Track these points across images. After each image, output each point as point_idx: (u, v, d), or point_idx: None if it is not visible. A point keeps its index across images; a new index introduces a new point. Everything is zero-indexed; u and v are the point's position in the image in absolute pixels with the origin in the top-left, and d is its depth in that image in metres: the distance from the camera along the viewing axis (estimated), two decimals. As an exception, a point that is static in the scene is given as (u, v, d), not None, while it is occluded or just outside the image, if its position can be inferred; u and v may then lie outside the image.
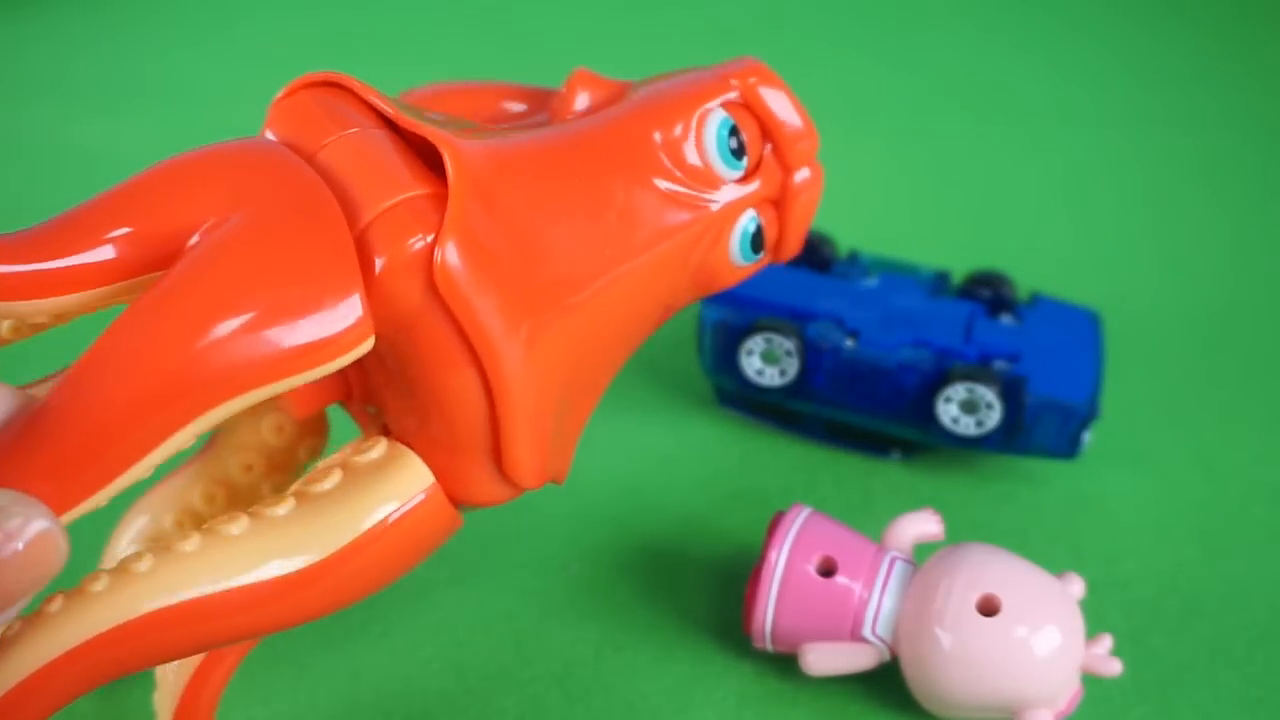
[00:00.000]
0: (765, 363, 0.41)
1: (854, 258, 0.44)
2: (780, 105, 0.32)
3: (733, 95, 0.32)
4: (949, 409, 0.39)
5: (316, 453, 0.33)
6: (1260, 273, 0.52)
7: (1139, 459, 0.42)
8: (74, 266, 0.24)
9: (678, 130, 0.31)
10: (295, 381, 0.25)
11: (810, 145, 0.32)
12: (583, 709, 0.34)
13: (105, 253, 0.25)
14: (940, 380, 0.39)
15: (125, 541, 0.32)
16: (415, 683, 0.35)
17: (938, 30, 0.71)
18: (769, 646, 0.34)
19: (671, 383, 0.45)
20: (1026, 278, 0.46)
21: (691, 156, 0.31)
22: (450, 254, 0.26)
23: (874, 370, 0.40)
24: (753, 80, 0.32)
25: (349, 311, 0.25)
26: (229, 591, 0.25)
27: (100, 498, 0.24)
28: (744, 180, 0.32)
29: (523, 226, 0.28)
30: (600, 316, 0.29)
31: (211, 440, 0.33)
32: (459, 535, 0.40)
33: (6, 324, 0.25)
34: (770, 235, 0.33)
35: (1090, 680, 0.33)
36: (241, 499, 0.32)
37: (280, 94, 0.28)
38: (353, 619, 0.36)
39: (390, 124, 0.28)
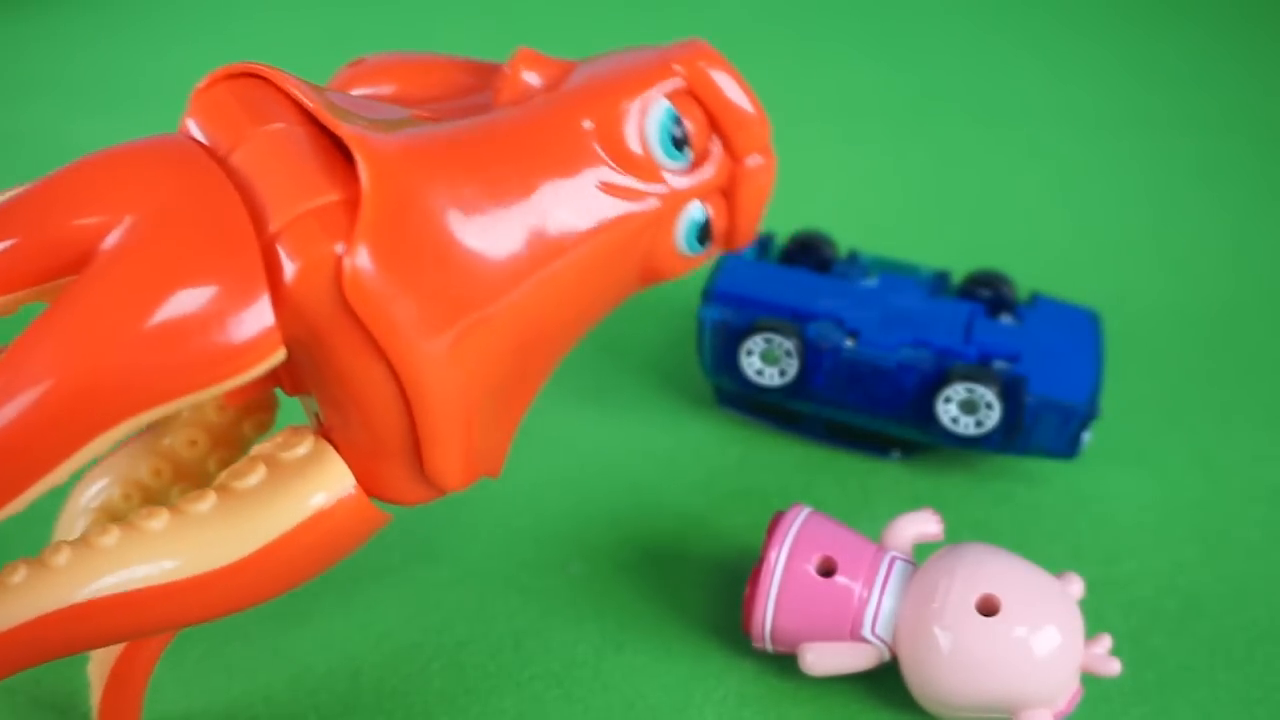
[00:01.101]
0: (765, 363, 0.41)
1: (854, 258, 0.44)
2: (728, 90, 0.30)
3: (677, 81, 0.30)
4: (949, 409, 0.39)
5: (264, 428, 0.32)
6: (1260, 273, 0.51)
7: (1139, 459, 0.42)
8: None
9: (615, 119, 0.29)
10: (206, 395, 0.25)
11: (761, 131, 0.31)
12: (582, 709, 0.34)
13: (9, 257, 0.24)
14: (940, 380, 0.39)
15: (81, 503, 0.31)
16: (415, 682, 0.35)
17: (937, 30, 0.71)
18: (769, 646, 0.34)
19: (671, 383, 0.45)
20: (1026, 278, 0.46)
21: (632, 147, 0.29)
22: (361, 263, 0.25)
23: (874, 370, 0.40)
24: (700, 64, 0.30)
25: (256, 324, 0.25)
26: (145, 588, 0.25)
27: (14, 506, 0.24)
28: (689, 171, 0.30)
29: (444, 226, 0.27)
30: (535, 315, 0.28)
31: None
32: (460, 536, 0.40)
33: None
34: (719, 225, 0.32)
35: (1090, 680, 0.33)
36: (187, 474, 0.31)
37: (201, 84, 0.28)
38: (353, 620, 0.36)
39: (313, 117, 0.27)
